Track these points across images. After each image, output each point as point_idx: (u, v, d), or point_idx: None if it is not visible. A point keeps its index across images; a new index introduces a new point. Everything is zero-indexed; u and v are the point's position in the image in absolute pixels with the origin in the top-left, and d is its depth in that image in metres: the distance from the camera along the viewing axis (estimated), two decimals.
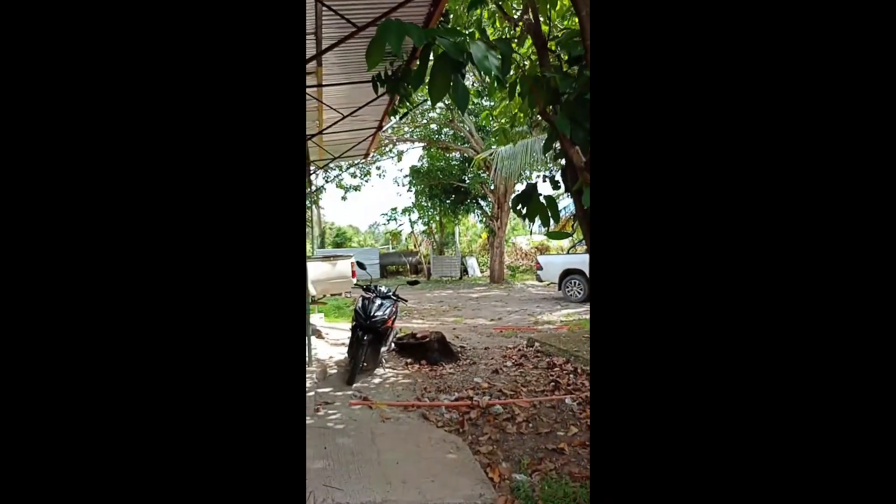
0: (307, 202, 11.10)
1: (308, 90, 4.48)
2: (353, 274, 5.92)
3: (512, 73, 4.03)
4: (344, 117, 4.63)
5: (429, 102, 14.46)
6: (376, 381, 4.34)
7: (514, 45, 3.85)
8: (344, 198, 18.06)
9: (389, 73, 4.39)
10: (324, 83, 4.48)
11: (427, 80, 2.00)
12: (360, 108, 4.61)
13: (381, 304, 4.56)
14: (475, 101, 13.47)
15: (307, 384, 4.03)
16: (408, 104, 5.34)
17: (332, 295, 6.78)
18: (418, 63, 2.01)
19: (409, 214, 18.57)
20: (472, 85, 12.67)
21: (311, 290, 6.21)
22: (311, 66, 4.22)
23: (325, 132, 6.74)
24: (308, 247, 11.52)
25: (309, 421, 3.15)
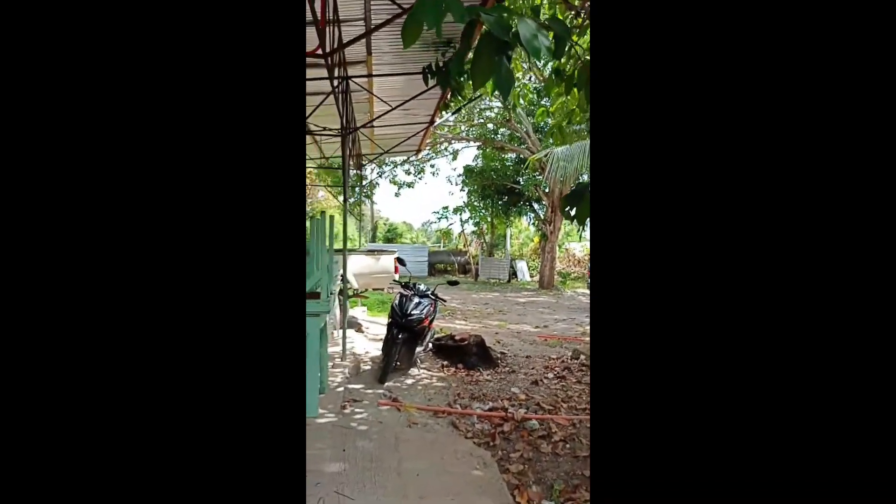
0: (359, 196, 11.22)
1: (357, 80, 4.42)
2: (396, 270, 5.83)
3: (570, 66, 3.76)
4: (392, 109, 4.52)
5: (486, 100, 14.30)
6: (409, 381, 4.20)
7: (574, 37, 3.59)
8: (397, 194, 18.25)
9: (441, 64, 4.24)
10: (374, 73, 4.39)
11: (470, 62, 1.81)
12: (409, 100, 4.48)
13: (418, 303, 4.41)
14: (533, 100, 13.13)
15: (338, 379, 3.95)
16: (460, 98, 5.17)
17: (373, 289, 6.74)
18: (460, 44, 1.81)
19: (461, 214, 18.45)
20: (530, 81, 12.34)
21: (353, 282, 6.20)
22: (361, 54, 4.14)
23: (375, 126, 6.71)
24: (361, 240, 11.63)
25: (333, 419, 3.04)
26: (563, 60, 3.80)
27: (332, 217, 3.57)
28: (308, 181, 15.68)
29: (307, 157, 7.95)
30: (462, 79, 3.81)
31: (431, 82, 4.39)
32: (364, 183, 16.86)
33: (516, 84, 5.40)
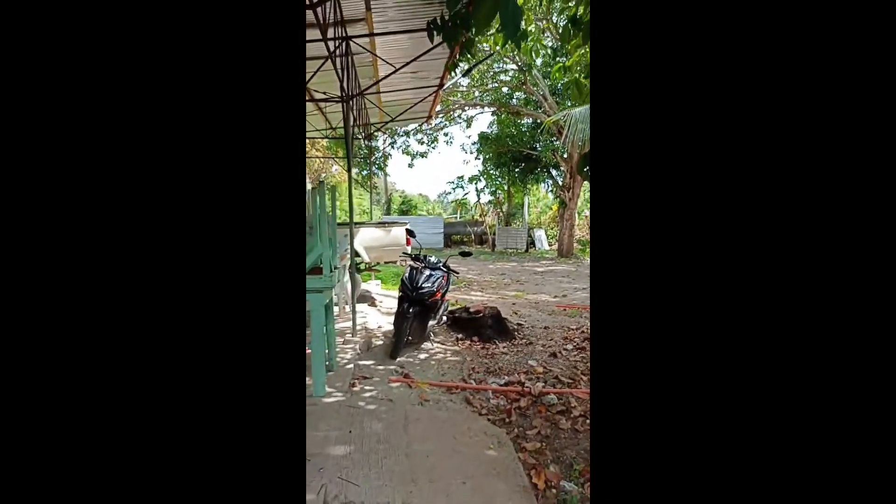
0: (370, 167, 11.01)
1: (359, 41, 4.14)
2: (408, 242, 5.66)
3: (587, 13, 3.43)
4: (396, 70, 4.24)
5: (500, 64, 13.71)
6: (422, 356, 4.08)
7: None
8: (410, 165, 18.02)
9: (447, 17, 3.93)
10: (375, 31, 4.10)
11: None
12: (414, 60, 4.19)
13: (429, 276, 4.24)
14: (549, 60, 12.56)
15: (348, 356, 3.84)
16: (469, 57, 4.85)
17: (385, 262, 6.60)
18: None
19: (476, 183, 18.10)
20: (547, 41, 11.77)
21: (364, 256, 6.05)
22: (360, 10, 3.85)
23: (382, 91, 6.43)
24: (373, 214, 11.47)
25: (341, 397, 2.93)
26: (580, 9, 3.47)
27: (333, 187, 3.38)
28: (320, 154, 15.49)
29: (315, 129, 7.73)
30: (471, 32, 3.52)
31: (437, 39, 4.10)
32: (377, 154, 16.62)
33: (530, 39, 5.03)
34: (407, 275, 4.26)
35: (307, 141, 14.59)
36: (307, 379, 3.05)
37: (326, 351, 3.30)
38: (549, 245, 17.11)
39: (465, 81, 14.30)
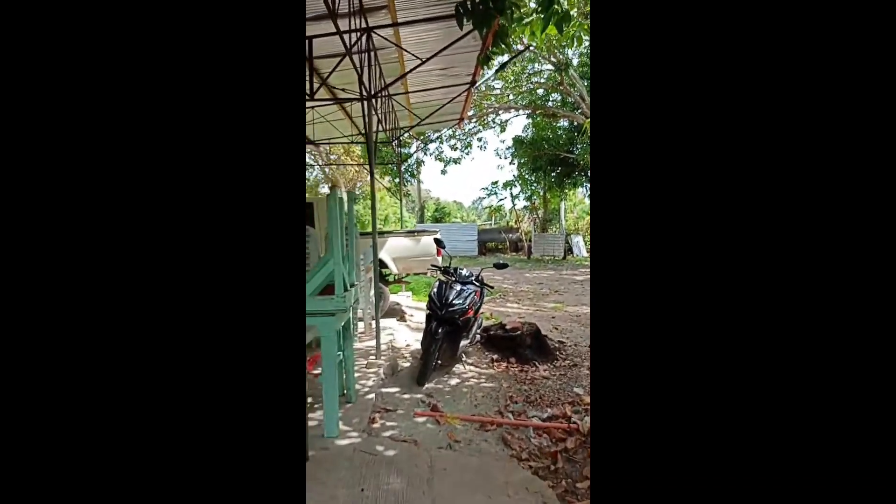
0: (400, 174, 10.71)
1: (381, 31, 3.77)
2: (439, 252, 5.25)
3: None
4: (423, 62, 3.84)
5: (535, 65, 13.20)
6: (453, 381, 3.63)
7: None
8: (444, 171, 17.84)
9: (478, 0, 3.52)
10: (399, 21, 3.73)
11: None
12: (443, 50, 3.78)
13: (460, 291, 3.79)
14: (587, 58, 12.00)
15: (370, 382, 3.43)
16: (503, 47, 4.42)
17: (415, 273, 6.21)
18: None
19: (511, 188, 17.58)
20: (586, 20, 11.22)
21: (392, 267, 5.68)
22: None
23: (410, 91, 6.07)
24: (403, 222, 11.15)
25: (356, 438, 2.51)
26: None
27: (350, 194, 3.00)
28: (354, 162, 15.35)
29: (341, 134, 7.45)
30: (510, 11, 3.09)
31: (468, 26, 3.68)
32: (410, 161, 16.39)
33: (572, 24, 4.54)
34: (435, 290, 3.83)
35: (340, 147, 14.48)
36: (318, 415, 2.66)
37: (336, 380, 2.91)
38: (588, 252, 16.37)
39: (498, 84, 13.88)
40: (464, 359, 4.08)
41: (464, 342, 3.86)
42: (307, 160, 18.78)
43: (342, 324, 2.64)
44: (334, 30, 3.15)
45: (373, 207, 3.91)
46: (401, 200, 9.73)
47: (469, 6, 3.49)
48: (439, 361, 3.70)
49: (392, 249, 5.69)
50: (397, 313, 6.06)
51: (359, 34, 3.59)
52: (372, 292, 4.28)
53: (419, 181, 20.00)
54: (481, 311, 4.41)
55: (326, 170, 18.14)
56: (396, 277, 5.94)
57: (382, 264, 5.63)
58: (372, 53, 3.83)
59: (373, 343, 4.10)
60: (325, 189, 19.31)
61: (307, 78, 3.95)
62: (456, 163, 16.39)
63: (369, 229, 4.02)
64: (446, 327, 3.64)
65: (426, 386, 3.48)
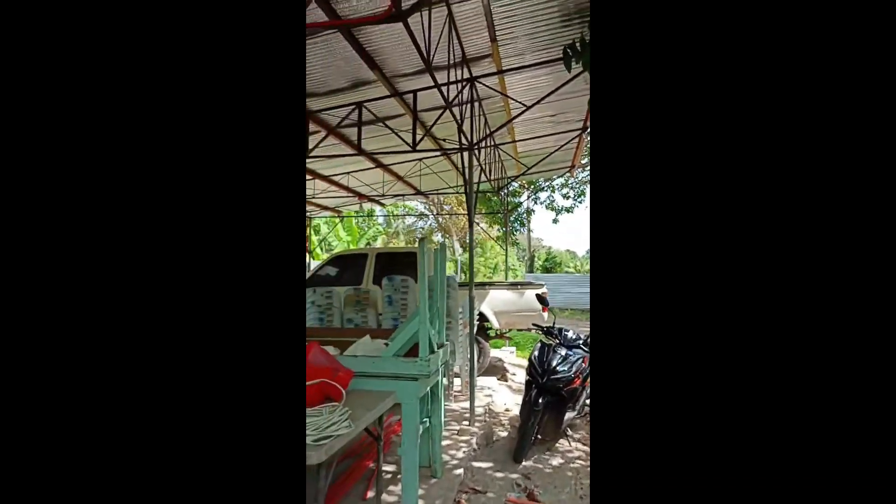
0: (508, 222, 10.51)
1: (485, 80, 3.68)
2: (544, 309, 4.84)
3: None
4: (527, 108, 3.65)
5: None
6: (555, 461, 3.15)
7: None
8: (555, 220, 17.38)
9: (587, 39, 3.28)
10: (504, 69, 3.60)
11: None
12: (549, 95, 3.56)
13: (566, 356, 3.34)
14: None
15: (460, 453, 3.10)
16: None
17: (518, 329, 5.82)
18: None
19: None
20: None
21: (494, 322, 5.36)
22: (484, 45, 3.40)
23: (518, 140, 5.91)
24: (509, 272, 10.84)
25: None
26: None
27: (443, 244, 2.82)
28: (464, 212, 15.62)
29: (447, 185, 7.51)
30: None
31: (576, 68, 3.43)
32: (520, 210, 16.22)
33: None
34: (536, 354, 3.42)
35: (454, 198, 14.85)
36: (398, 488, 2.40)
37: (431, 446, 2.63)
38: None
39: None
40: (569, 433, 3.56)
41: (569, 415, 3.37)
42: (421, 209, 19.70)
43: (424, 391, 2.39)
44: (432, 84, 3.11)
45: (470, 258, 3.70)
46: (506, 250, 9.45)
47: (579, 47, 3.26)
48: (539, 436, 3.25)
49: (494, 302, 5.39)
50: (498, 371, 5.67)
51: (462, 84, 3.53)
52: (469, 349, 4.00)
53: (529, 230, 19.66)
54: (589, 380, 3.88)
55: (440, 219, 18.83)
56: (498, 332, 5.60)
57: (483, 318, 5.34)
58: (476, 104, 3.76)
59: (468, 405, 3.78)
60: (438, 237, 19.90)
61: (411, 129, 3.99)
62: (568, 211, 15.92)
63: (479, 279, 3.81)
64: (548, 397, 3.21)
65: (523, 464, 3.05)
